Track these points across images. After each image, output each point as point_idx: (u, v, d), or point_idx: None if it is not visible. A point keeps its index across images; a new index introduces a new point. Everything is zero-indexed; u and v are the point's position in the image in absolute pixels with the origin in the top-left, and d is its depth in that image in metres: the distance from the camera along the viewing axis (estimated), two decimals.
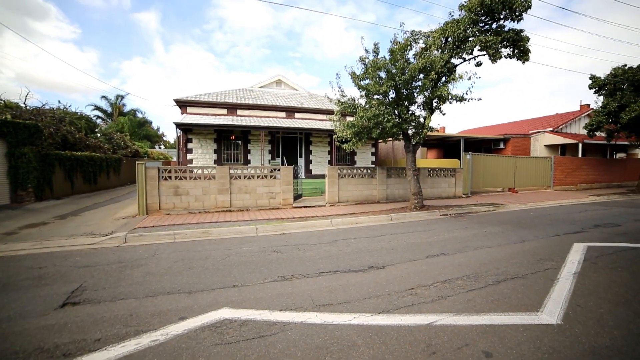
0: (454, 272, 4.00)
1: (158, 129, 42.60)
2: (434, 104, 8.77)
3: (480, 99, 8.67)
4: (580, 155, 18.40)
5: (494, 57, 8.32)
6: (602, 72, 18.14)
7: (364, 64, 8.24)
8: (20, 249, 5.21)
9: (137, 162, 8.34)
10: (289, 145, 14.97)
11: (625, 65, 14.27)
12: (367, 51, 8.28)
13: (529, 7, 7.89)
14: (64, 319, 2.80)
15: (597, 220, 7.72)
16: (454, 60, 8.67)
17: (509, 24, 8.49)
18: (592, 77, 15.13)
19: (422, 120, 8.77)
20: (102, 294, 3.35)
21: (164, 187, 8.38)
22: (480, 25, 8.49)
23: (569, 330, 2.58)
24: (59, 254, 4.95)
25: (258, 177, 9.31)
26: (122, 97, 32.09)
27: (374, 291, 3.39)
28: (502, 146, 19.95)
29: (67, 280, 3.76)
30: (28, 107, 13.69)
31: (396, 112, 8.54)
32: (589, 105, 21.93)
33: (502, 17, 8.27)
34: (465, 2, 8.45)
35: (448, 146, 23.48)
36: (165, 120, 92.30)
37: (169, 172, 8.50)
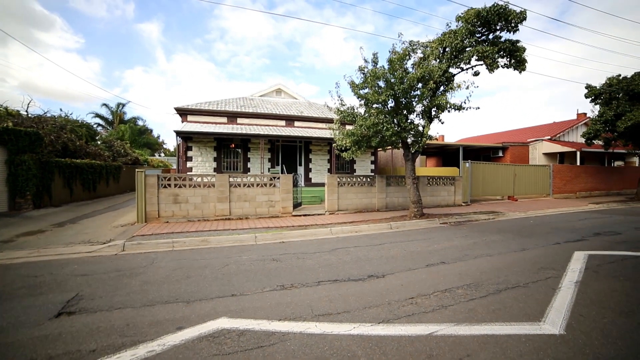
0: (455, 281, 3.96)
1: (158, 136, 42.84)
2: (433, 113, 8.86)
3: (478, 108, 8.77)
4: (578, 163, 18.48)
5: (491, 67, 8.46)
6: (597, 82, 18.51)
7: (363, 74, 8.35)
8: (16, 257, 5.15)
9: (136, 169, 8.35)
10: (289, 153, 15.02)
11: (620, 75, 14.50)
12: (366, 61, 8.40)
13: (524, 18, 8.07)
14: (58, 329, 2.76)
15: (598, 229, 7.70)
16: (452, 70, 8.81)
17: (505, 35, 8.68)
18: (588, 87, 15.34)
19: (421, 128, 8.84)
20: (98, 303, 3.30)
21: (163, 194, 8.37)
22: (477, 35, 8.66)
23: (573, 341, 2.54)
24: (56, 263, 4.90)
25: (257, 185, 9.31)
26: (123, 105, 32.35)
27: (374, 300, 3.35)
28: (500, 154, 20.05)
29: (63, 289, 3.71)
30: (30, 115, 13.78)
31: (395, 120, 8.61)
32: (585, 114, 22.17)
33: (498, 28, 8.45)
34: (462, 13, 8.64)
35: (447, 154, 23.59)
36: (166, 128, 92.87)
37: (169, 180, 8.50)
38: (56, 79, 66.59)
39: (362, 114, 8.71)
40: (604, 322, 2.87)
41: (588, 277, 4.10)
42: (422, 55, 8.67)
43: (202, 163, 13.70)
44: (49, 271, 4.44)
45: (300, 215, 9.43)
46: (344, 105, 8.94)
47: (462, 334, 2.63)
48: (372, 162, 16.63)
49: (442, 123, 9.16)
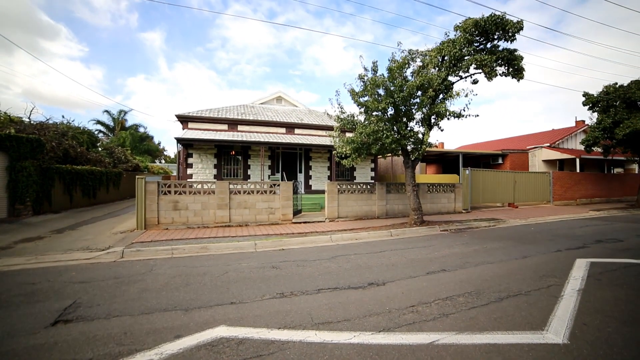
0: (456, 288, 3.93)
1: (159, 143, 43.06)
2: (432, 120, 8.91)
3: (477, 116, 8.83)
4: (578, 170, 18.51)
5: (490, 75, 8.55)
6: (594, 90, 18.85)
7: (363, 82, 8.44)
8: (14, 263, 5.12)
9: (137, 176, 8.36)
10: (289, 160, 15.06)
11: (616, 83, 14.65)
12: (366, 69, 8.50)
13: (521, 28, 8.20)
14: (54, 337, 2.72)
15: (599, 236, 7.66)
16: (451, 78, 8.90)
17: (503, 44, 8.80)
18: (586, 94, 15.47)
19: (420, 136, 8.88)
20: (96, 311, 3.26)
21: (163, 201, 8.35)
22: (475, 44, 8.78)
23: (577, 351, 2.50)
24: (54, 269, 4.86)
25: (257, 192, 9.31)
26: (125, 112, 32.62)
27: (374, 308, 3.31)
28: (500, 161, 20.08)
29: (61, 297, 3.67)
30: (32, 122, 13.88)
31: (395, 128, 8.66)
32: (584, 121, 22.30)
33: (495, 37, 8.57)
34: (460, 23, 8.78)
35: (447, 161, 23.63)
36: (167, 135, 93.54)
37: (169, 186, 8.50)
38: (59, 87, 67.33)
39: (362, 121, 8.76)
40: (608, 331, 2.83)
41: (591, 285, 4.06)
42: (421, 64, 8.77)
43: (202, 170, 13.72)
44: (47, 278, 4.40)
45: (300, 223, 9.39)
46: (344, 112, 9.00)
47: (463, 343, 2.60)
48: (372, 170, 16.65)
49: (442, 130, 9.23)
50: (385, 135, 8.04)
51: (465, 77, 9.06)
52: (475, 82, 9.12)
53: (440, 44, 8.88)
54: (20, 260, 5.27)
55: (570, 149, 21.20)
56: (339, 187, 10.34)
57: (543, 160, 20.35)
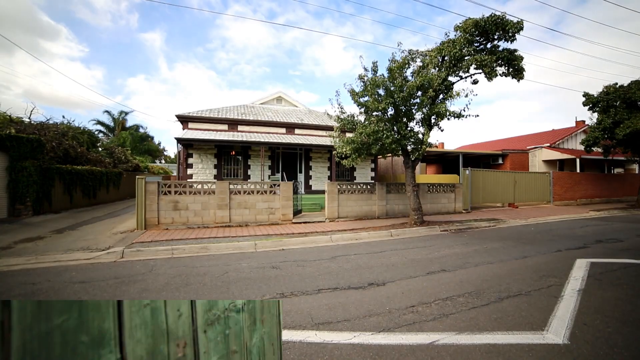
0: (456, 289, 3.93)
1: (159, 143, 43.01)
2: (433, 121, 8.91)
3: (477, 116, 8.83)
4: (578, 171, 18.50)
5: (490, 75, 8.55)
6: (594, 90, 18.81)
7: (363, 82, 8.44)
8: (14, 264, 5.12)
9: (137, 176, 8.36)
10: (289, 160, 15.06)
11: (617, 83, 14.66)
12: (366, 69, 8.50)
13: (521, 28, 8.20)
14: None
15: (599, 236, 7.66)
16: (451, 78, 8.90)
17: (503, 44, 8.80)
18: (586, 95, 15.47)
19: (420, 136, 8.88)
20: None
21: (163, 201, 8.36)
22: (476, 45, 8.78)
23: (577, 351, 2.50)
24: (54, 269, 4.86)
25: (258, 192, 9.31)
26: (126, 113, 32.63)
27: (374, 309, 3.31)
28: (500, 162, 20.07)
29: (61, 297, 3.67)
30: (32, 122, 13.89)
31: (395, 128, 8.66)
32: (584, 121, 22.30)
33: (495, 37, 8.57)
34: (460, 23, 8.78)
35: (447, 162, 23.63)
36: (167, 135, 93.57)
37: (169, 186, 8.50)
38: (60, 87, 67.42)
39: (362, 121, 8.77)
40: (608, 331, 2.83)
41: (591, 285, 4.06)
42: (421, 64, 8.78)
43: (202, 170, 13.72)
44: (47, 278, 4.40)
45: (300, 223, 9.39)
46: (344, 113, 9.01)
47: (463, 343, 2.59)
48: (372, 170, 16.65)
49: (442, 130, 9.23)
50: (385, 135, 8.04)
51: (466, 77, 9.07)
52: (475, 82, 9.12)
53: (440, 44, 8.88)
54: (21, 260, 5.27)
55: (570, 149, 21.19)
56: (339, 187, 10.34)
57: (543, 161, 20.34)
